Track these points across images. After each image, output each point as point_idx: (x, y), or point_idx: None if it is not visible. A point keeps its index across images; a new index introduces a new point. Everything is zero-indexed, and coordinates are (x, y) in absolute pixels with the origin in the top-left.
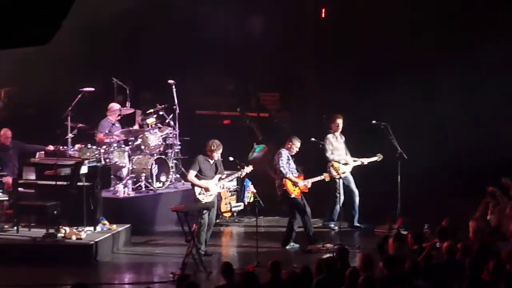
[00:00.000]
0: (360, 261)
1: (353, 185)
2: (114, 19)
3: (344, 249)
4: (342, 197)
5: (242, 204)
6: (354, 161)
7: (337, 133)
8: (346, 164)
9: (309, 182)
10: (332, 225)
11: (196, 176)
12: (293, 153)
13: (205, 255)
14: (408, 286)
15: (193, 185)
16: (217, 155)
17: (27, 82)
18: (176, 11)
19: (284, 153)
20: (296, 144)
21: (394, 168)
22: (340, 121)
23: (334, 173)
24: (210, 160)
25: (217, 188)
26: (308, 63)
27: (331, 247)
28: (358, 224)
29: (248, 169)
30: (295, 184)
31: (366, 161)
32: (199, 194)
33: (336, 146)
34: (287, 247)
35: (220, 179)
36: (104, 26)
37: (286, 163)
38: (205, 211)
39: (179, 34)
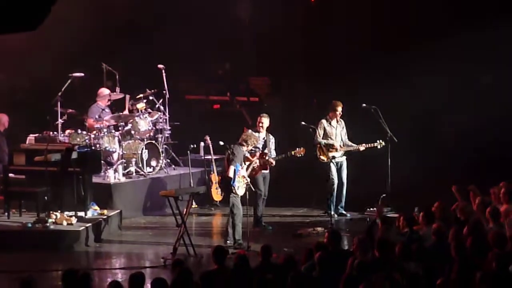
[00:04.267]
0: (356, 245)
1: (343, 174)
2: (102, 6)
3: (336, 232)
4: (336, 180)
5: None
6: (348, 146)
7: (334, 120)
8: (334, 149)
9: (270, 158)
10: (343, 211)
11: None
12: (261, 131)
13: (242, 247)
14: (400, 269)
15: (230, 179)
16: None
17: (15, 69)
18: None
19: (255, 131)
20: (263, 121)
21: (384, 152)
22: (339, 108)
23: (322, 157)
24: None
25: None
26: (298, 47)
27: (322, 231)
28: (343, 212)
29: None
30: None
31: (362, 147)
32: (238, 188)
33: (329, 131)
34: (262, 225)
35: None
36: (93, 13)
37: None
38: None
39: (167, 20)
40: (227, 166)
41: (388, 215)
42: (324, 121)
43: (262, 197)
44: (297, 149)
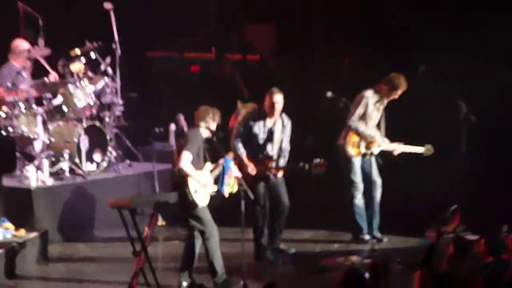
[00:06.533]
0: (419, 282)
1: (374, 172)
2: None
3: (380, 264)
4: (361, 186)
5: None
6: (386, 144)
7: (381, 98)
8: (371, 143)
9: (278, 171)
10: (365, 237)
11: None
12: (274, 116)
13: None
14: None
15: (185, 179)
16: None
17: None
18: None
19: (251, 116)
20: (277, 101)
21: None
22: (403, 88)
23: (351, 149)
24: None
25: (211, 183)
26: None
27: (359, 260)
28: (378, 235)
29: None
30: (241, 168)
31: (403, 149)
32: (195, 193)
33: (369, 113)
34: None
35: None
36: None
37: (245, 133)
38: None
39: None
40: (177, 157)
41: (464, 235)
42: (370, 94)
43: (265, 212)
44: (316, 160)
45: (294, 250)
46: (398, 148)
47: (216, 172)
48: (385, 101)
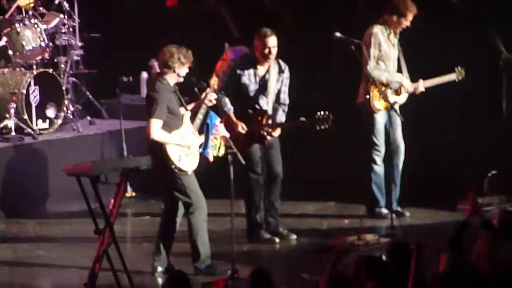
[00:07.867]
0: (444, 264)
1: (398, 134)
2: None
3: (401, 244)
4: (382, 149)
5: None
6: (411, 85)
7: (392, 33)
8: (400, 89)
9: (274, 129)
10: (383, 211)
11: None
12: (266, 63)
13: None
14: None
15: (163, 147)
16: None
17: None
18: None
19: (238, 62)
20: (270, 45)
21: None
22: (411, 16)
23: (376, 102)
24: (173, 86)
25: (196, 139)
26: None
27: (374, 240)
28: (399, 209)
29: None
30: (231, 129)
31: (430, 83)
32: (179, 160)
33: (385, 52)
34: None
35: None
36: None
37: (232, 83)
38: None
39: None
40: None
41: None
42: (379, 30)
43: (261, 181)
44: (319, 114)
45: (295, 237)
46: (424, 84)
47: (200, 116)
48: (398, 33)
